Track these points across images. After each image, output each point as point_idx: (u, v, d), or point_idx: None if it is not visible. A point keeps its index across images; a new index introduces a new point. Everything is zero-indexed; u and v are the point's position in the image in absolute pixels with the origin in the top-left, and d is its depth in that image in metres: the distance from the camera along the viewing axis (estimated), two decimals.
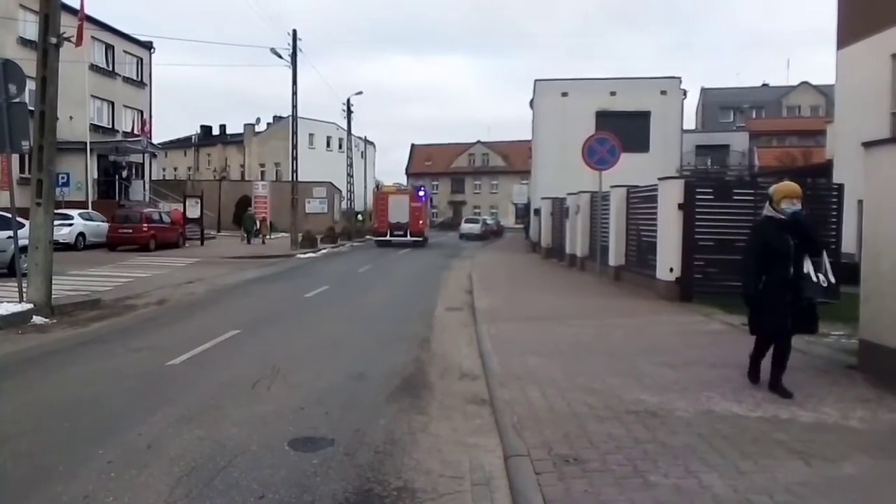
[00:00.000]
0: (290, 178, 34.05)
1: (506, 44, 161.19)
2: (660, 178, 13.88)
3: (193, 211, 32.97)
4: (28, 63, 11.74)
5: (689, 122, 52.36)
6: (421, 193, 38.84)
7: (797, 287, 5.77)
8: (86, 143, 31.94)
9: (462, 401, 6.28)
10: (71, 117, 30.34)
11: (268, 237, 34.08)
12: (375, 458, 4.76)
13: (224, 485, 4.25)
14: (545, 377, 6.66)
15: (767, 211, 6.05)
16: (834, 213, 12.27)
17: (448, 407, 6.09)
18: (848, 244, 12.28)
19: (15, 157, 16.06)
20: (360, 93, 62.75)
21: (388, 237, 36.83)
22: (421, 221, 37.73)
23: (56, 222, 13.11)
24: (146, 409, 5.84)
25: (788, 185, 6.01)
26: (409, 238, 36.74)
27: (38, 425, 5.44)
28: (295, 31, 31.46)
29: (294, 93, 31.98)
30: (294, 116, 32.90)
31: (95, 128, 34.61)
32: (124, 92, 38.15)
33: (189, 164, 69.81)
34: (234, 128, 71.44)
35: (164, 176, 60.84)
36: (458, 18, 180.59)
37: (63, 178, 27.68)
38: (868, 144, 6.87)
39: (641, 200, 15.58)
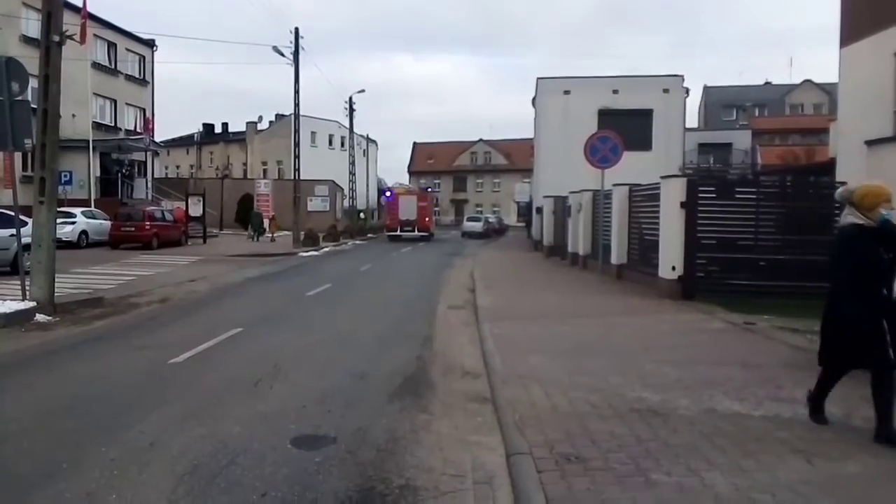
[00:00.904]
0: (292, 177, 34.05)
1: (508, 42, 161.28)
2: (662, 177, 13.87)
3: (196, 209, 33.01)
4: (31, 61, 11.76)
5: (692, 120, 52.39)
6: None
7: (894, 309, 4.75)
8: (88, 141, 31.96)
9: (464, 399, 6.29)
10: (74, 115, 30.37)
11: (276, 235, 34.18)
12: (377, 456, 4.76)
13: (226, 482, 4.26)
14: (547, 375, 6.66)
15: (855, 217, 4.90)
16: (837, 211, 12.22)
17: (450, 405, 6.09)
18: None
19: (18, 155, 16.08)
20: (362, 91, 63.09)
21: (398, 232, 41.14)
22: (427, 219, 42.23)
23: (59, 220, 13.15)
24: (149, 406, 5.86)
25: (882, 187, 4.91)
26: (417, 233, 40.95)
27: (41, 423, 5.46)
28: (297, 30, 31.54)
29: (296, 91, 31.99)
30: (296, 114, 32.91)
31: (98, 126, 34.62)
32: (127, 90, 38.16)
33: (191, 163, 69.85)
34: (236, 126, 71.56)
35: (166, 174, 60.87)
36: (461, 16, 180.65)
37: (66, 176, 27.71)
38: (871, 143, 6.86)
39: (644, 199, 15.56)
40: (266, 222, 36.40)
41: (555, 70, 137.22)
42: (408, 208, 41.42)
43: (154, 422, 5.43)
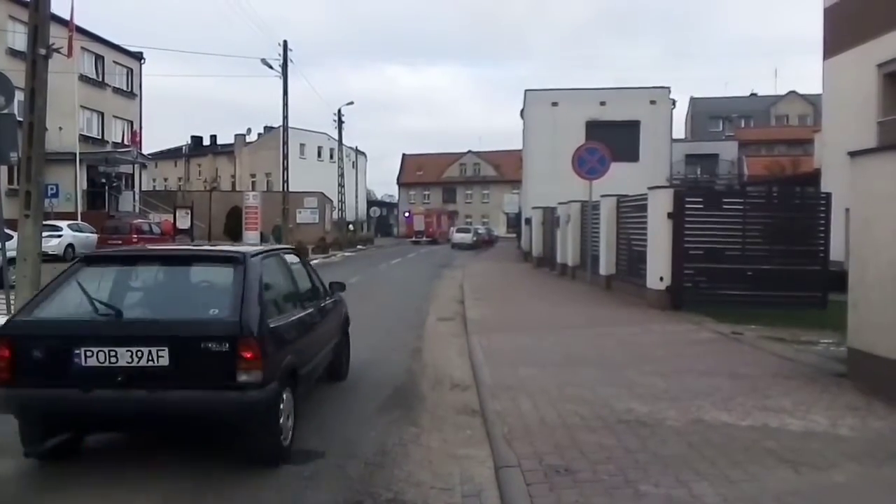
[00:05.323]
0: (281, 189, 34.03)
1: (497, 54, 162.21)
2: (649, 188, 13.95)
3: (184, 222, 32.78)
4: (17, 74, 11.70)
5: (679, 131, 52.69)
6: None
7: None
8: (75, 154, 31.76)
9: (453, 412, 6.27)
10: (60, 128, 30.20)
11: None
12: (366, 470, 4.74)
13: (215, 499, 4.22)
14: (536, 387, 6.66)
15: None
16: (822, 221, 12.36)
17: (439, 418, 6.08)
18: (836, 252, 12.37)
19: (3, 168, 15.98)
20: (350, 103, 63.06)
21: (415, 238, 58.45)
22: (432, 230, 60.48)
23: (45, 234, 13.02)
24: None
25: None
26: (426, 239, 57.77)
27: None
28: (286, 42, 31.70)
29: (285, 103, 32.05)
30: (285, 127, 32.94)
31: (85, 138, 34.43)
32: (114, 102, 38.02)
33: (179, 175, 69.50)
34: (224, 138, 71.38)
35: (154, 187, 60.56)
36: (450, 28, 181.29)
37: (52, 189, 27.46)
38: (854, 154, 6.93)
39: (631, 209, 15.63)
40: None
41: (544, 82, 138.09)
42: (419, 223, 60.68)
43: (142, 442, 5.36)
